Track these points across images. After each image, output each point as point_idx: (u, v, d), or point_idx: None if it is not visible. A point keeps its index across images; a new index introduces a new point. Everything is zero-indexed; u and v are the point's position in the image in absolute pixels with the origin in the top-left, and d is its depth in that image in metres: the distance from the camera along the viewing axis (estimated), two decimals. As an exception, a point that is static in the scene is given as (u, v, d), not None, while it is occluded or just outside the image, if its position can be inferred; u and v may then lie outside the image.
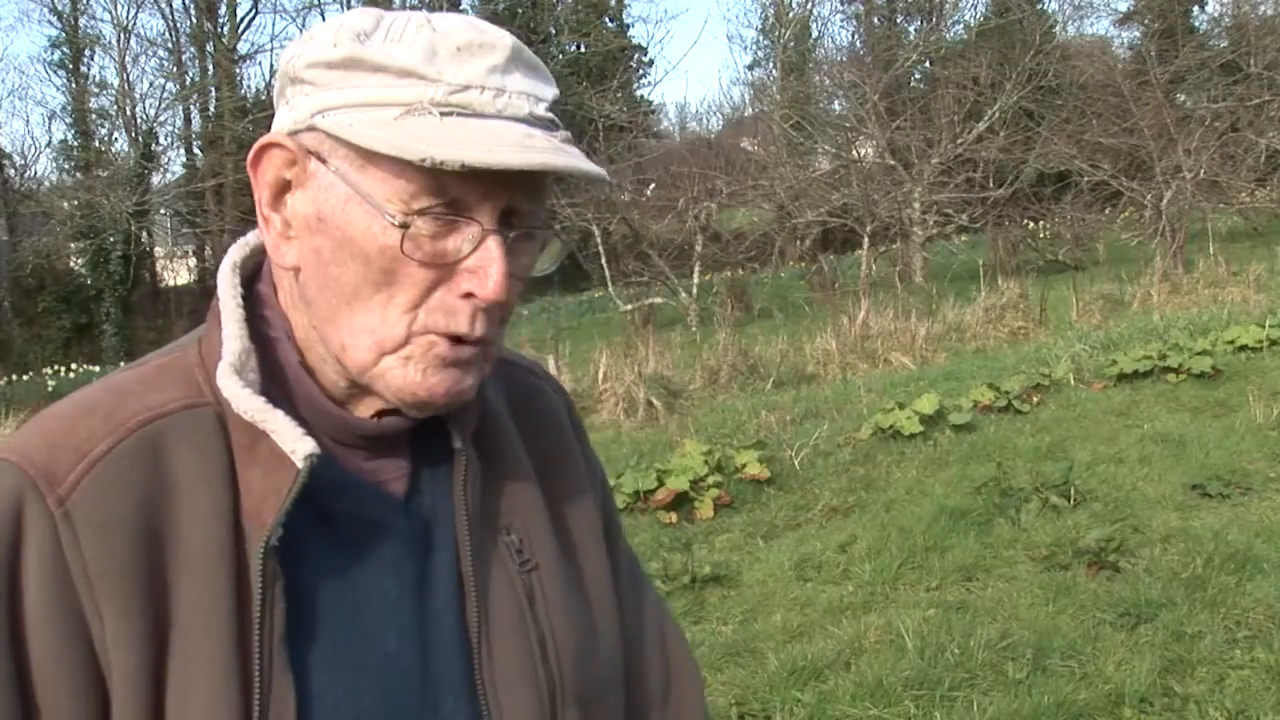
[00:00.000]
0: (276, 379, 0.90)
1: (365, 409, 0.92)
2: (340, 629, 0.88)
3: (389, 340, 0.86)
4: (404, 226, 0.82)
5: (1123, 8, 29.77)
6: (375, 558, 0.91)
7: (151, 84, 36.20)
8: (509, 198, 0.85)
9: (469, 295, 0.85)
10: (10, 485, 0.82)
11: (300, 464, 0.84)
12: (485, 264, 0.84)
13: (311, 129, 0.85)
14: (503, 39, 0.86)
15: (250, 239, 0.96)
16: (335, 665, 0.87)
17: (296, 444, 0.85)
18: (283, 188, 0.88)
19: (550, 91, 0.88)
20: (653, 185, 24.45)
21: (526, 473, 1.01)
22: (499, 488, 0.99)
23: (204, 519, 0.84)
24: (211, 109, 30.52)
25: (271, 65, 44.37)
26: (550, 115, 0.87)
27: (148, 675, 0.81)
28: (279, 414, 0.85)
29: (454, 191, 0.83)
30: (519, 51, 0.87)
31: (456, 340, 0.87)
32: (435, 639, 0.92)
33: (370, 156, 0.83)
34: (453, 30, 0.85)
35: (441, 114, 0.82)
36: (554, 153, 0.83)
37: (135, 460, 0.84)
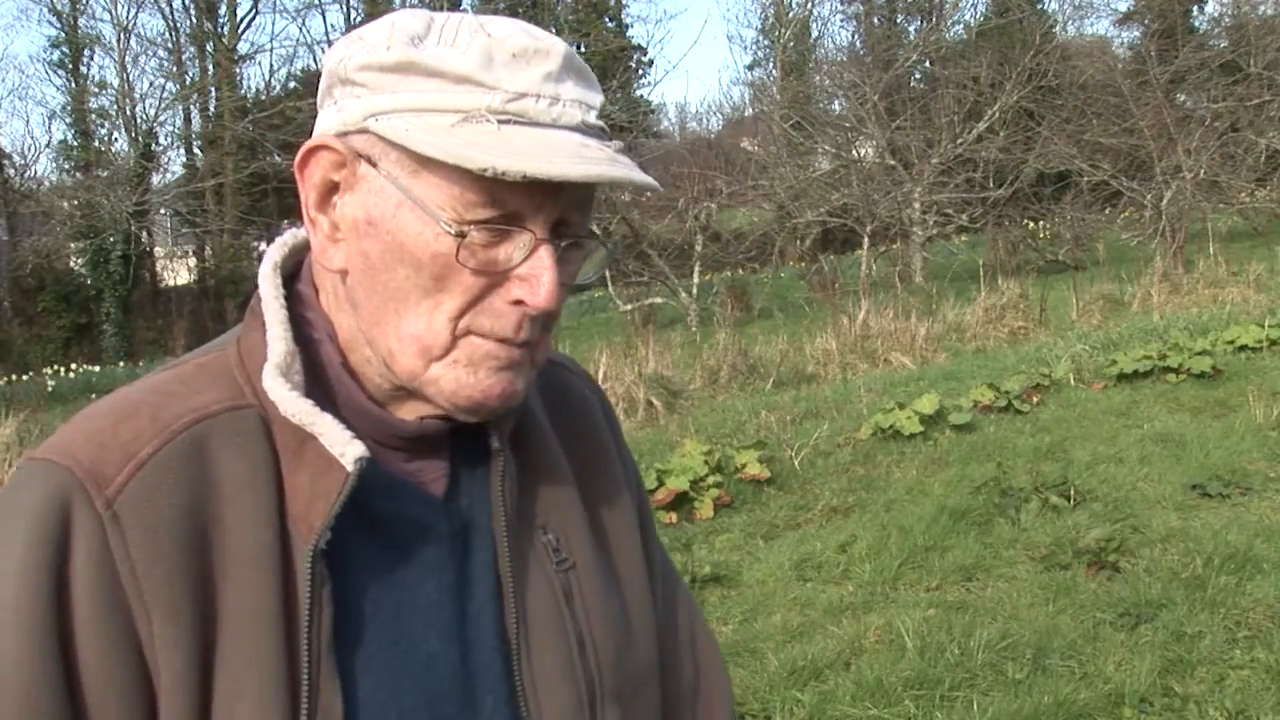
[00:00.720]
0: (319, 380, 0.89)
1: (408, 412, 0.91)
2: (384, 632, 0.88)
3: (436, 346, 0.86)
4: (460, 235, 0.82)
5: (1123, 8, 29.83)
6: (417, 559, 0.91)
7: (151, 84, 36.19)
8: (561, 209, 0.85)
9: (519, 303, 0.85)
10: (57, 486, 0.81)
11: (350, 467, 0.84)
12: (538, 273, 0.84)
13: (363, 132, 0.84)
14: (556, 45, 0.86)
15: (289, 238, 0.96)
16: (379, 668, 0.87)
17: (346, 447, 0.84)
18: (330, 189, 0.87)
19: (599, 99, 0.88)
20: (653, 185, 24.38)
21: (564, 471, 1.02)
22: (536, 487, 0.99)
23: (250, 522, 0.84)
24: (211, 109, 30.50)
25: (271, 65, 44.35)
26: (600, 123, 0.87)
27: (195, 678, 0.81)
28: (327, 417, 0.85)
29: (509, 202, 0.83)
30: (571, 58, 0.87)
31: (503, 343, 0.87)
32: (475, 639, 0.92)
33: (424, 162, 0.82)
34: (508, 36, 0.85)
35: (500, 122, 0.82)
36: (610, 164, 0.83)
37: (182, 462, 0.83)
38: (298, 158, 0.88)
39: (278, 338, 0.87)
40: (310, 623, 0.83)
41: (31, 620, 0.79)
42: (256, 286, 0.92)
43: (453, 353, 0.86)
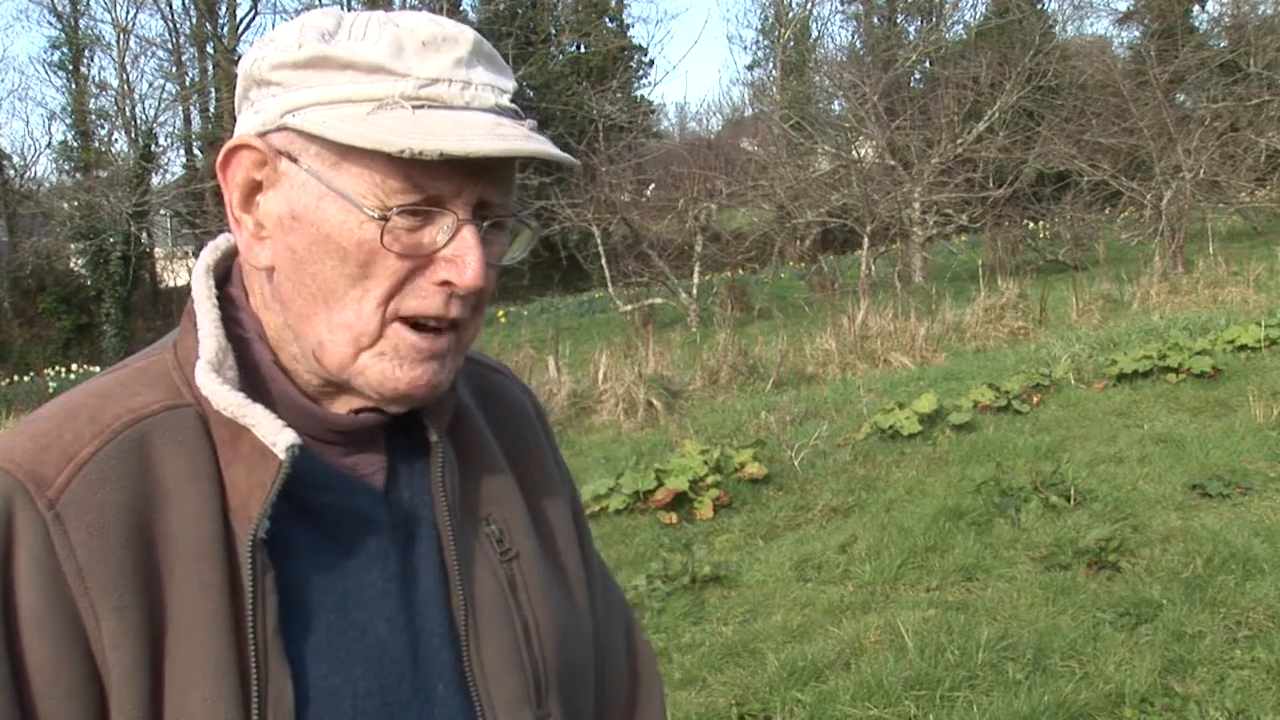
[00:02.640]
0: (251, 378, 0.91)
1: (340, 406, 0.93)
2: (331, 619, 0.89)
3: (365, 335, 0.87)
4: (383, 220, 0.84)
5: (1123, 8, 29.83)
6: (360, 549, 0.92)
7: (151, 84, 36.25)
8: (481, 190, 0.87)
9: (446, 283, 0.87)
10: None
11: (282, 455, 0.85)
12: (463, 253, 0.87)
13: (282, 129, 0.86)
14: (464, 33, 0.88)
15: (220, 242, 0.98)
16: (329, 654, 0.88)
17: (277, 436, 0.86)
18: (253, 189, 0.89)
19: (511, 84, 0.90)
20: (653, 185, 24.45)
21: (501, 465, 1.04)
22: (476, 479, 1.01)
23: (193, 517, 0.85)
24: (211, 109, 30.52)
25: (271, 66, 44.43)
26: (513, 106, 0.89)
27: (145, 672, 0.82)
28: (258, 408, 0.86)
29: (430, 186, 0.85)
30: (480, 45, 0.89)
31: (427, 329, 0.89)
32: (422, 628, 0.94)
33: (344, 153, 0.84)
34: (417, 26, 0.87)
35: (414, 107, 0.84)
36: (525, 139, 0.85)
37: (122, 461, 0.84)
38: (219, 159, 0.89)
39: (209, 335, 0.89)
40: (254, 610, 0.84)
41: None
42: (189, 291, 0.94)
43: (379, 343, 0.88)
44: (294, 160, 0.86)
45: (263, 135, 0.87)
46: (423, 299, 0.87)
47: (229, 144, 0.89)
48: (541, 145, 0.86)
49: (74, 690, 0.81)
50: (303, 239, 0.87)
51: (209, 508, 0.85)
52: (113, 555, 0.82)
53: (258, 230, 0.90)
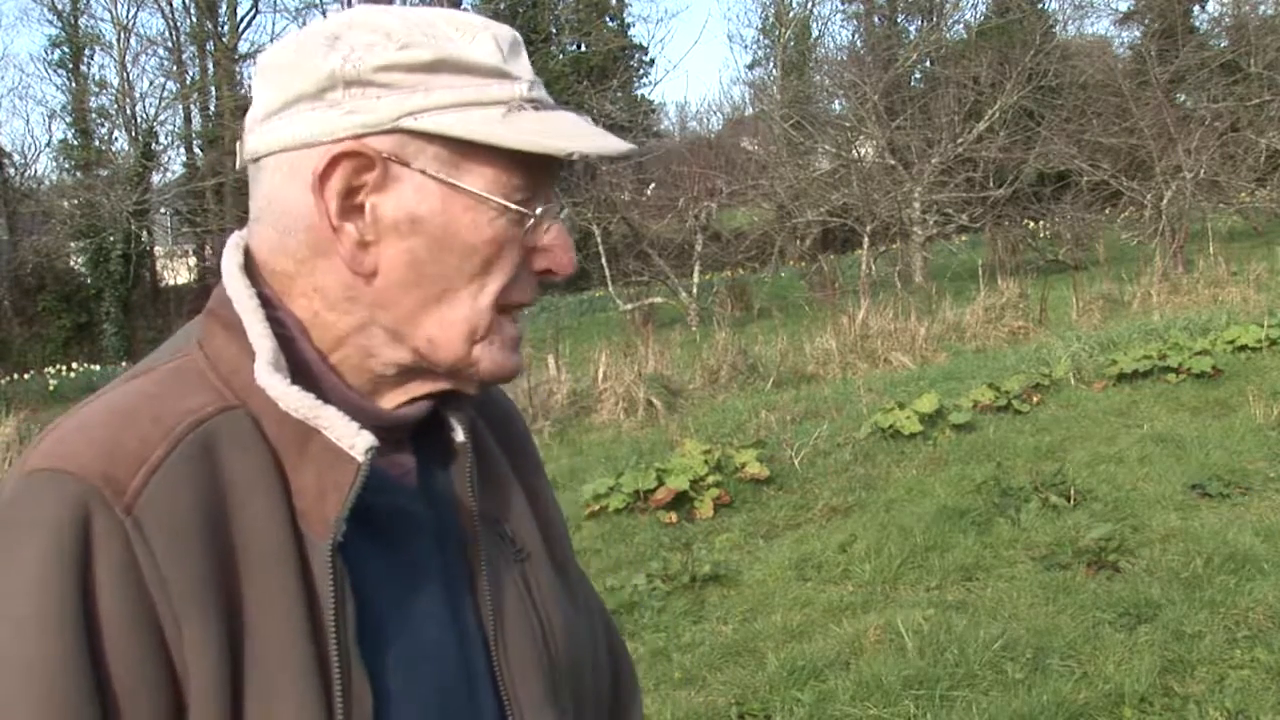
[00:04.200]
0: (303, 377, 0.89)
1: (388, 401, 0.92)
2: (393, 622, 0.89)
3: (481, 326, 0.89)
4: (527, 216, 0.88)
5: (1123, 8, 29.81)
6: (411, 551, 0.92)
7: (151, 83, 36.31)
8: (555, 183, 0.92)
9: (546, 272, 0.92)
10: (72, 495, 0.79)
11: (361, 457, 0.84)
12: (561, 243, 0.91)
13: (394, 132, 0.85)
14: (510, 29, 0.92)
15: (239, 240, 0.94)
16: (399, 658, 0.88)
17: (355, 438, 0.85)
18: (351, 195, 0.86)
19: None
20: (653, 185, 24.45)
21: (504, 465, 1.04)
22: (489, 480, 1.01)
23: (264, 521, 0.83)
24: (211, 108, 30.53)
25: (272, 64, 44.41)
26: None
27: (226, 681, 0.80)
28: (330, 409, 0.85)
29: (537, 182, 0.88)
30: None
31: (516, 319, 0.93)
32: (464, 630, 0.94)
33: (465, 154, 0.85)
34: (488, 25, 0.89)
35: (535, 109, 0.88)
36: (606, 136, 0.90)
37: (193, 465, 0.82)
38: (319, 169, 0.85)
39: (261, 335, 0.86)
40: (337, 617, 0.83)
41: (59, 637, 0.77)
42: (209, 290, 0.92)
43: (490, 334, 0.90)
44: (404, 164, 0.85)
45: (360, 139, 0.85)
46: (524, 289, 0.91)
47: (333, 153, 0.85)
48: (622, 143, 0.90)
49: (156, 700, 0.79)
50: (424, 241, 0.86)
51: (279, 512, 0.84)
52: (192, 562, 0.80)
53: (362, 237, 0.87)
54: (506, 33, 0.90)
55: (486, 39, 0.87)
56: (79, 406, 0.88)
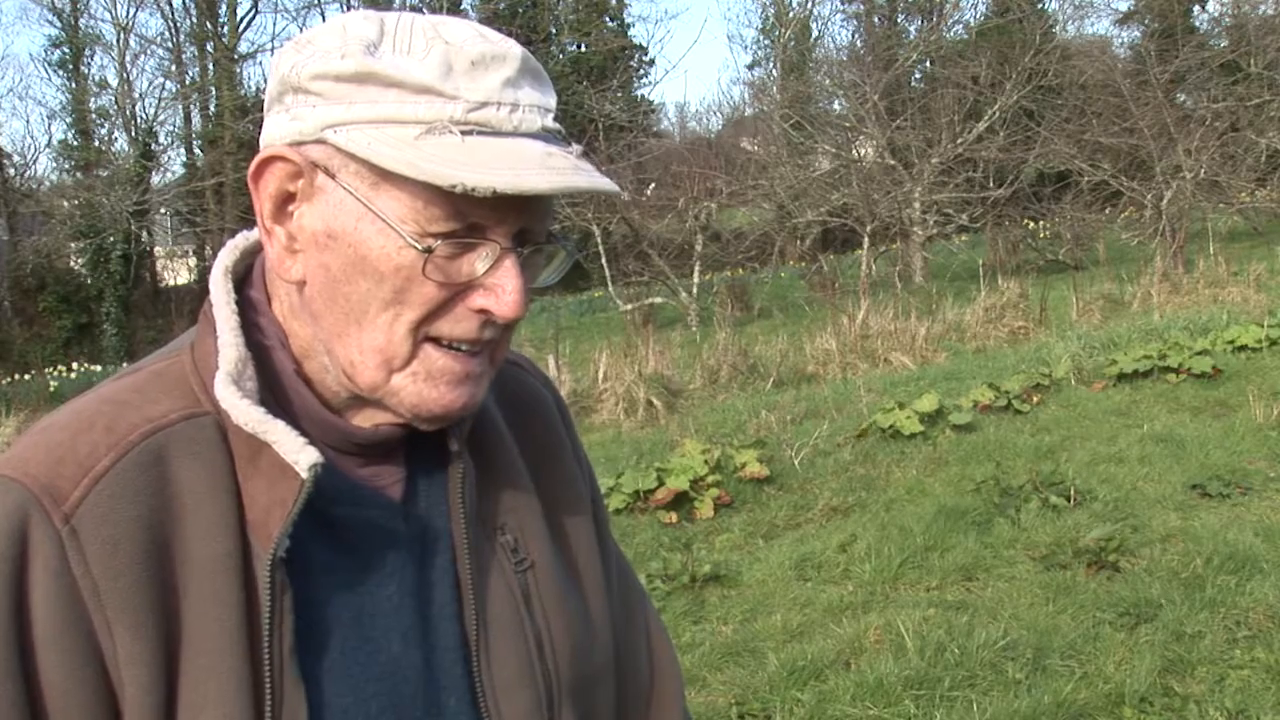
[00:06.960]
0: (272, 388, 0.88)
1: (365, 419, 0.91)
2: (346, 636, 0.88)
3: (397, 357, 0.85)
4: (426, 251, 0.81)
5: (1123, 8, 29.81)
6: (377, 563, 0.91)
7: (151, 83, 36.26)
8: (524, 219, 0.84)
9: (483, 311, 0.85)
10: (14, 502, 0.80)
11: (304, 474, 0.83)
12: (503, 283, 0.84)
13: (320, 142, 0.83)
14: (513, 49, 0.85)
15: (239, 242, 0.94)
16: (343, 673, 0.87)
17: (299, 455, 0.83)
18: (286, 200, 0.86)
19: (554, 100, 0.87)
20: (653, 185, 24.43)
21: (519, 470, 1.02)
22: (493, 488, 0.99)
23: (210, 532, 0.83)
24: (211, 108, 30.50)
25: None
26: (558, 126, 0.86)
27: (160, 691, 0.80)
28: (280, 424, 0.84)
29: (472, 214, 0.82)
30: (527, 61, 0.86)
31: (460, 351, 0.86)
32: (436, 643, 0.92)
33: (385, 174, 0.81)
34: (465, 41, 0.83)
35: (463, 133, 0.81)
36: (574, 173, 0.82)
37: (139, 474, 0.82)
38: (252, 168, 0.86)
39: (229, 344, 0.86)
40: (271, 630, 0.82)
41: None
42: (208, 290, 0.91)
43: (412, 364, 0.86)
44: (331, 175, 0.83)
45: (297, 145, 0.84)
46: (456, 324, 0.85)
47: (263, 154, 0.85)
48: (591, 179, 0.83)
49: (88, 709, 0.79)
50: (338, 258, 0.84)
51: (226, 522, 0.83)
52: (129, 572, 0.80)
53: (290, 243, 0.86)
54: (479, 49, 0.83)
55: (437, 53, 0.82)
56: (62, 405, 0.89)
